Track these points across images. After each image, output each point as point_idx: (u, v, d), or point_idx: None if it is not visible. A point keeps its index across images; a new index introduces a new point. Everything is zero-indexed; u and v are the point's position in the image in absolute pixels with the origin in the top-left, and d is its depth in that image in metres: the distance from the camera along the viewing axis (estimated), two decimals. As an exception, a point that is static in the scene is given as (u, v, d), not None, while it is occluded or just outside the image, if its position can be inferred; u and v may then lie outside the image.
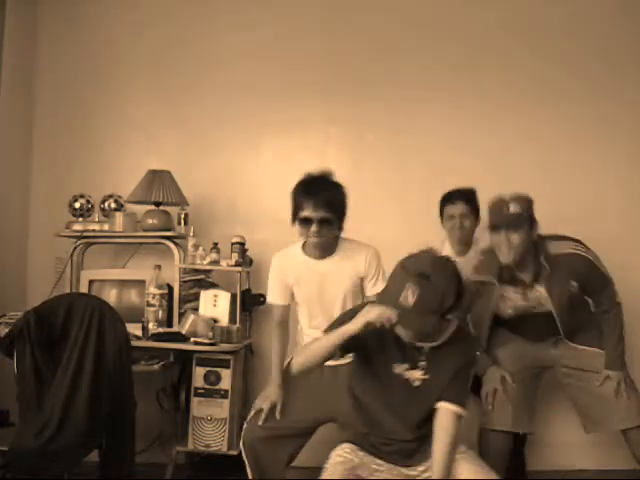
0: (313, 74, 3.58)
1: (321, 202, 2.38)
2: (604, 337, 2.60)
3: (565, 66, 3.48)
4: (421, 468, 2.09)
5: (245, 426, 2.50)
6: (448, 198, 3.01)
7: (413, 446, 2.10)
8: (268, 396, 2.50)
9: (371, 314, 1.93)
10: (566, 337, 2.63)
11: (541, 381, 2.77)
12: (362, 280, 2.54)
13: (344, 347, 2.02)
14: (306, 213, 2.40)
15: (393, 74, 3.55)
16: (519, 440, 2.88)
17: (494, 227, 2.48)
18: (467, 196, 3.00)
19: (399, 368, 2.07)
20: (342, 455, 2.08)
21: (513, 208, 2.44)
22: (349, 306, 2.49)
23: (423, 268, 1.90)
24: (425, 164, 3.45)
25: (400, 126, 3.53)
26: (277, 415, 2.44)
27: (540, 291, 2.53)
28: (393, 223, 3.44)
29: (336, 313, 2.43)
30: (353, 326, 1.95)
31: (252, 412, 2.52)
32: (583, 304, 2.61)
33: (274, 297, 2.63)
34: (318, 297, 2.53)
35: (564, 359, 2.67)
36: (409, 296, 1.87)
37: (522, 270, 2.52)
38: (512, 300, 2.59)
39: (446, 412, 2.04)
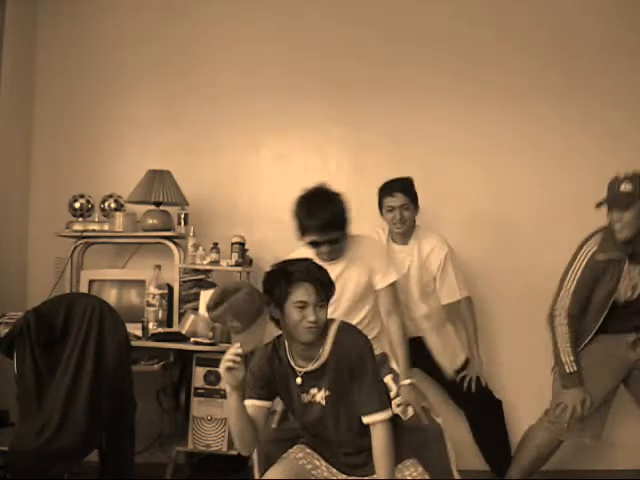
0: (313, 75, 3.57)
1: (325, 224, 2.38)
2: None
3: (560, 66, 3.48)
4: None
5: None
6: (387, 190, 2.98)
7: (358, 460, 2.08)
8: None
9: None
10: None
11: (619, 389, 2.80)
12: (372, 274, 2.55)
13: (268, 398, 2.06)
14: (313, 238, 2.41)
15: (393, 76, 3.54)
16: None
17: (608, 206, 2.55)
18: (405, 187, 2.97)
19: (306, 397, 2.06)
20: (290, 452, 2.11)
21: (624, 187, 2.49)
22: (361, 307, 2.53)
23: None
24: (424, 165, 3.45)
25: (400, 127, 3.53)
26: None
27: None
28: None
29: (348, 316, 2.46)
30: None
31: None
32: None
33: None
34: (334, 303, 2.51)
35: None
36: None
37: None
38: (634, 279, 2.60)
39: (373, 425, 2.00)
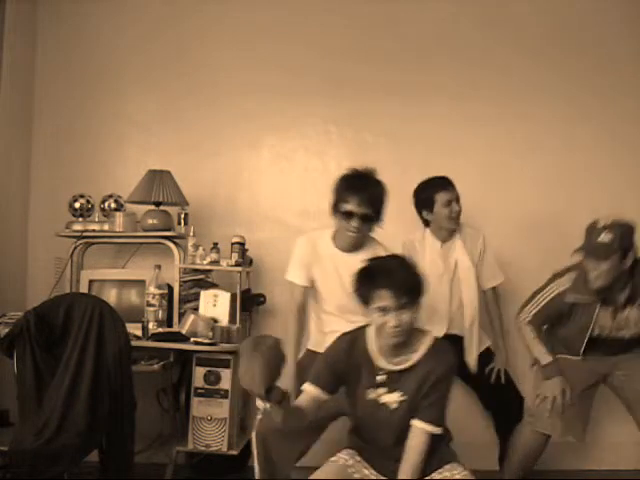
0: (314, 76, 3.57)
1: (366, 198, 2.41)
2: None
3: (561, 68, 3.48)
4: None
5: (259, 417, 2.43)
6: (440, 185, 2.99)
7: None
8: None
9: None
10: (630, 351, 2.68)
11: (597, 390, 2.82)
12: None
13: (330, 391, 2.05)
14: (350, 207, 2.42)
15: (394, 76, 3.54)
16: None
17: (585, 253, 2.51)
18: (452, 181, 3.02)
19: (373, 394, 2.05)
20: (339, 457, 2.10)
21: (603, 237, 2.44)
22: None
23: None
24: (425, 166, 3.44)
25: (401, 128, 3.53)
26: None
27: (630, 314, 2.57)
28: (393, 224, 3.42)
29: (348, 305, 2.43)
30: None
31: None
32: None
33: (297, 277, 2.60)
34: (341, 289, 2.51)
35: (620, 362, 2.71)
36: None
37: (615, 292, 2.55)
38: (600, 321, 2.61)
39: (418, 431, 2.00)
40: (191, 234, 3.30)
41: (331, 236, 2.59)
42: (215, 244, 3.25)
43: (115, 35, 3.69)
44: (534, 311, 2.68)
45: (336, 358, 2.08)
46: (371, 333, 2.07)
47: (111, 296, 3.31)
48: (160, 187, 3.27)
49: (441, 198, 2.97)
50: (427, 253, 3.01)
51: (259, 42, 3.61)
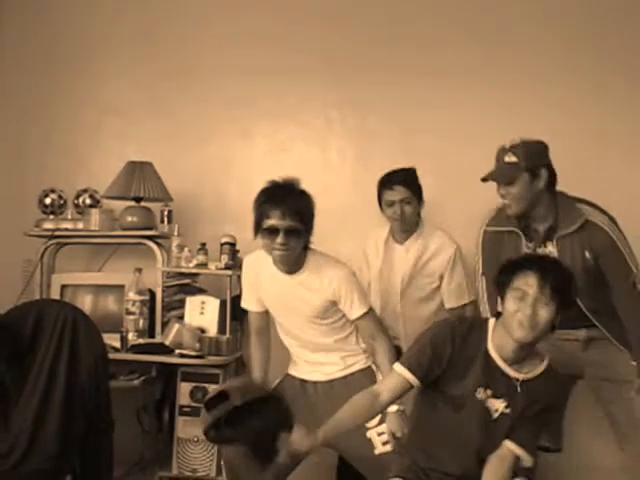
0: (311, 56, 3.57)
1: (289, 210, 2.38)
2: (628, 333, 2.56)
3: (591, 46, 3.46)
4: None
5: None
6: (386, 183, 2.98)
7: None
8: None
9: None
10: (590, 316, 2.60)
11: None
12: (334, 303, 2.50)
13: (424, 378, 2.06)
14: (272, 222, 2.39)
15: (402, 56, 3.53)
16: None
17: (493, 179, 2.55)
18: (407, 179, 2.97)
19: (483, 394, 2.05)
20: None
21: (508, 158, 2.51)
22: (322, 325, 2.51)
23: None
24: (437, 155, 3.45)
25: (409, 113, 3.52)
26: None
27: (551, 250, 2.55)
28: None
29: (305, 334, 2.51)
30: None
31: None
32: (601, 284, 2.57)
33: (248, 303, 2.66)
34: (286, 313, 2.55)
35: (593, 367, 2.67)
36: None
37: (535, 221, 2.57)
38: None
39: (507, 452, 2.03)
40: (175, 233, 3.31)
41: (272, 260, 2.55)
42: (202, 245, 3.25)
43: (87, 11, 3.71)
44: (479, 272, 2.71)
45: (446, 341, 2.07)
46: (493, 326, 2.08)
47: (86, 303, 3.31)
48: (141, 181, 3.28)
49: (385, 197, 2.97)
50: (381, 253, 3.04)
51: (250, 16, 3.61)
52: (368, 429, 2.38)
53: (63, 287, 3.37)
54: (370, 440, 2.40)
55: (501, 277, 2.05)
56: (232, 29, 3.62)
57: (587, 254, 2.51)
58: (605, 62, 3.46)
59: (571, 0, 3.50)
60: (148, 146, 3.58)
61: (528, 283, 1.96)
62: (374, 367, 2.56)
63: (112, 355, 2.90)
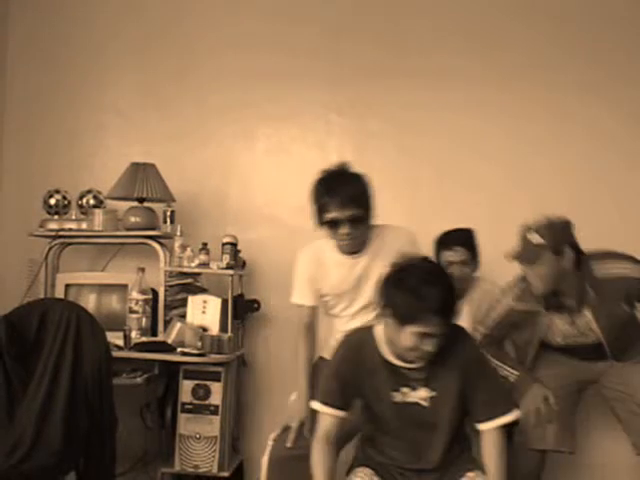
0: (311, 59, 3.57)
1: (347, 199, 2.38)
2: None
3: (590, 52, 3.46)
4: None
5: (271, 444, 2.47)
6: (444, 242, 3.01)
7: (436, 476, 2.10)
8: (296, 413, 2.47)
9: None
10: (614, 359, 2.69)
11: (583, 397, 2.83)
12: None
13: (343, 404, 2.09)
14: (333, 214, 2.40)
15: (401, 59, 3.53)
16: None
17: (518, 259, 2.55)
18: (466, 240, 3.01)
19: (400, 396, 2.07)
20: (358, 477, 2.10)
21: (531, 238, 2.50)
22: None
23: None
24: (437, 158, 3.46)
25: (409, 115, 3.52)
26: (306, 434, 2.39)
27: (588, 317, 2.59)
28: (401, 220, 3.44)
29: (367, 316, 2.49)
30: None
31: (279, 430, 2.50)
32: (637, 326, 2.67)
33: (303, 298, 2.62)
34: (355, 294, 2.55)
35: (609, 376, 2.72)
36: None
37: (566, 296, 2.57)
38: (560, 328, 2.65)
39: (489, 434, 2.05)
40: (178, 233, 3.31)
41: (334, 243, 2.57)
42: (204, 245, 3.26)
43: (91, 15, 3.71)
44: (487, 330, 2.72)
45: (345, 370, 2.10)
46: (379, 332, 2.08)
47: (90, 302, 3.32)
48: (144, 182, 3.28)
49: (443, 257, 2.99)
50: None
51: (251, 20, 3.61)
52: None
53: (67, 286, 3.37)
54: None
55: (399, 311, 1.94)
56: (234, 33, 3.62)
57: (623, 305, 2.58)
58: (604, 64, 3.45)
59: (569, 4, 3.50)
60: (151, 148, 3.58)
61: (431, 324, 1.91)
62: None
63: (115, 353, 2.90)
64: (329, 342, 2.66)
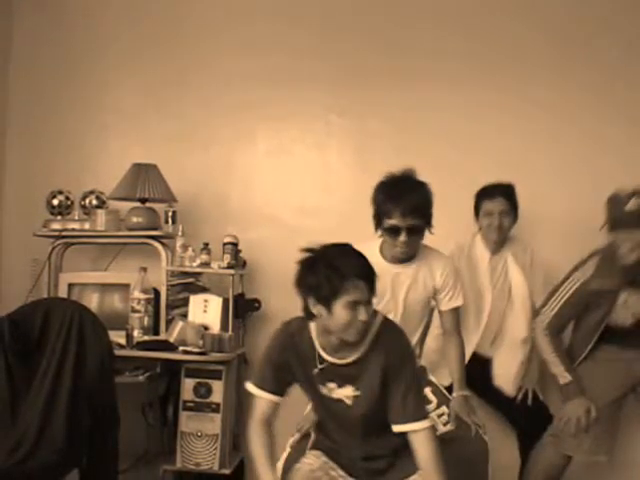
0: (311, 61, 3.57)
1: (410, 208, 2.38)
2: None
3: (588, 51, 3.46)
4: None
5: (289, 450, 2.38)
6: (487, 193, 3.04)
7: (378, 465, 2.11)
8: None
9: None
10: None
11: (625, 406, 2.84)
12: (436, 292, 2.57)
13: (278, 389, 2.09)
14: (394, 222, 2.40)
15: (401, 61, 3.53)
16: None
17: (613, 226, 2.54)
18: (507, 191, 3.04)
19: (324, 389, 2.08)
20: (304, 462, 2.13)
21: (632, 204, 2.50)
22: (423, 315, 2.59)
23: None
24: (436, 159, 3.45)
25: (409, 116, 3.52)
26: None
27: None
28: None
29: (413, 322, 2.53)
30: None
31: (297, 435, 2.42)
32: None
33: None
34: (395, 304, 2.55)
35: None
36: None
37: None
38: (633, 306, 2.62)
39: (415, 434, 2.00)
40: (179, 234, 3.32)
41: (379, 248, 2.56)
42: (205, 244, 3.27)
43: (94, 18, 3.71)
44: (554, 311, 2.68)
45: (279, 356, 2.09)
46: (313, 325, 2.07)
47: (92, 301, 3.33)
48: (146, 182, 3.29)
49: (484, 207, 3.04)
50: (478, 262, 3.06)
51: (253, 23, 3.62)
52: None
53: (70, 286, 3.38)
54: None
55: (324, 288, 1.92)
56: (234, 35, 3.62)
57: None
58: (602, 66, 3.45)
59: (568, 5, 3.50)
60: (153, 149, 3.59)
61: (361, 291, 1.92)
62: None
63: (118, 352, 2.92)
64: None
